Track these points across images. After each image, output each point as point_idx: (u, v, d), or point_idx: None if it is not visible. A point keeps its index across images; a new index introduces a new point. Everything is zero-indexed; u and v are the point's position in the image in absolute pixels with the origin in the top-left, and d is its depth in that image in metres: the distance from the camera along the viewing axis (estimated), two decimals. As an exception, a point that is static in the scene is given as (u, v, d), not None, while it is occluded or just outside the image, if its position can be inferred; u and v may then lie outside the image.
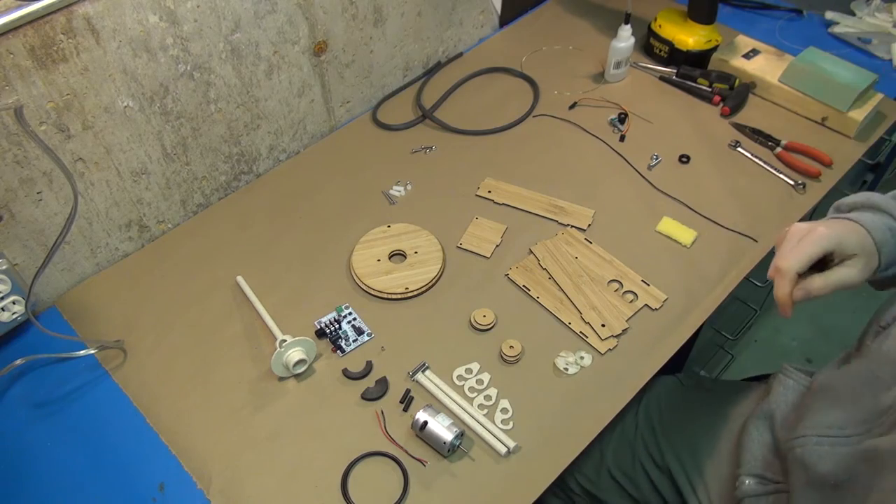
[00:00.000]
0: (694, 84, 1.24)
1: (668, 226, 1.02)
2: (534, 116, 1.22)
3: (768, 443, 0.80)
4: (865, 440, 0.62)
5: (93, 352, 0.91)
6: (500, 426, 0.82)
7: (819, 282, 0.65)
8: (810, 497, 0.67)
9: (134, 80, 0.89)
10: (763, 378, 0.97)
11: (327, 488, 0.78)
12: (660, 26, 1.28)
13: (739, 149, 1.14)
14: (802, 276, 0.66)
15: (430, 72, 1.31)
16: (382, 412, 0.84)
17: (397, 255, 1.00)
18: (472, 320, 0.91)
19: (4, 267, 0.86)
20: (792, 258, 0.65)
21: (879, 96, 1.14)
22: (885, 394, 0.63)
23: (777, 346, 1.76)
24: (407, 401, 0.84)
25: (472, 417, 0.82)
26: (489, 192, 1.09)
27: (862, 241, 0.65)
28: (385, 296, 0.95)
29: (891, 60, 1.29)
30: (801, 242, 0.65)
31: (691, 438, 0.91)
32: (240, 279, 0.98)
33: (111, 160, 0.94)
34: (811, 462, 0.66)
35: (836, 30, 1.36)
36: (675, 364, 1.18)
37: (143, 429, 0.84)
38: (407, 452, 0.80)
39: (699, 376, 1.04)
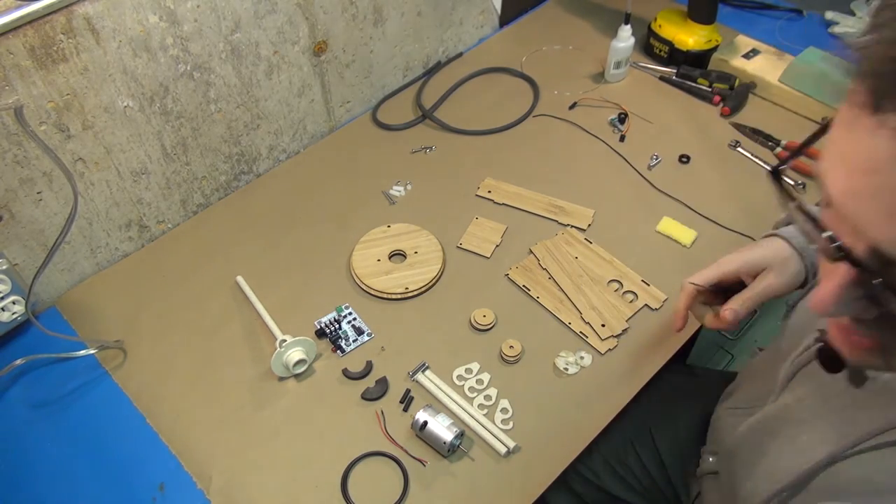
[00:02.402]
0: (694, 84, 1.24)
1: (668, 226, 1.02)
2: (534, 116, 1.22)
3: None
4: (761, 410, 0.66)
5: (93, 352, 0.91)
6: (500, 426, 0.82)
7: (739, 298, 0.71)
8: (720, 466, 0.71)
9: (134, 80, 0.89)
10: None
11: (327, 488, 0.78)
12: (660, 26, 1.28)
13: (739, 149, 1.14)
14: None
15: (430, 72, 1.31)
16: (382, 412, 0.84)
17: (397, 255, 1.00)
18: (472, 320, 0.91)
19: (4, 267, 0.86)
20: (693, 276, 0.73)
21: (879, 96, 1.14)
22: (782, 365, 0.66)
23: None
24: (407, 401, 0.84)
25: (472, 417, 0.82)
26: (489, 192, 1.09)
27: (774, 253, 0.71)
28: (385, 296, 0.95)
29: (891, 60, 1.29)
30: (707, 266, 0.74)
31: (677, 422, 0.93)
32: (240, 279, 0.98)
33: (111, 160, 0.94)
34: (720, 435, 0.71)
35: (836, 30, 1.36)
36: (676, 363, 1.18)
37: (143, 429, 0.84)
38: (407, 452, 0.80)
39: (691, 365, 1.05)
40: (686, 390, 0.98)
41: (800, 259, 0.71)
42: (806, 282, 0.72)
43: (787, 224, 0.76)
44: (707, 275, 0.73)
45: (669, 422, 0.93)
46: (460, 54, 1.36)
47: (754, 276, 0.72)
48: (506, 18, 1.42)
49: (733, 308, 0.70)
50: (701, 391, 0.96)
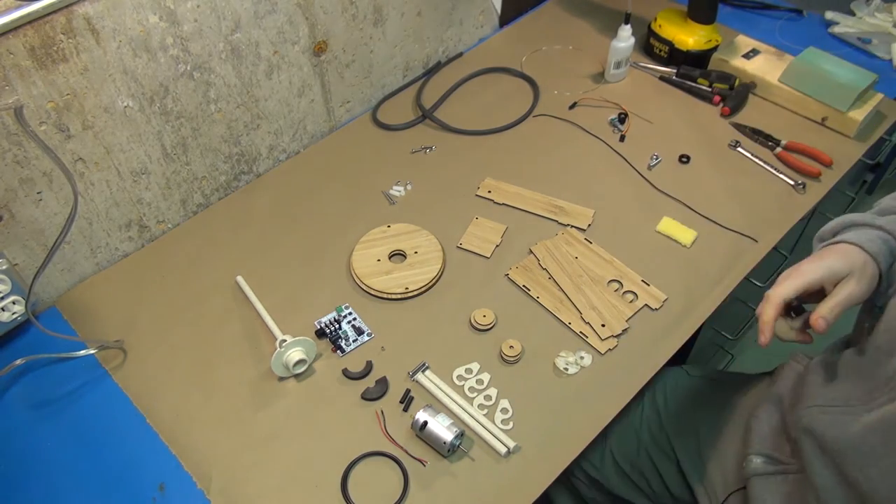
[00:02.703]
0: (694, 84, 1.24)
1: (668, 226, 1.02)
2: (534, 116, 1.22)
3: (777, 425, 0.81)
4: (872, 409, 0.65)
5: (93, 352, 0.91)
6: (500, 426, 0.82)
7: (826, 306, 0.69)
8: (826, 462, 0.69)
9: (134, 80, 0.89)
10: (768, 373, 0.97)
11: (327, 488, 0.78)
12: (660, 26, 1.28)
13: (739, 149, 1.14)
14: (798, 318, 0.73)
15: (430, 72, 1.31)
16: (382, 412, 0.84)
17: (397, 255, 1.00)
18: (472, 320, 0.91)
19: (4, 267, 0.86)
20: (779, 287, 0.71)
21: (879, 96, 1.14)
22: (887, 363, 0.65)
23: (777, 346, 1.75)
24: (407, 401, 0.84)
25: (472, 417, 0.82)
26: (489, 192, 1.09)
27: (851, 259, 0.70)
28: (385, 296, 0.95)
29: (891, 60, 1.29)
30: (789, 277, 0.72)
31: (698, 425, 0.92)
32: (240, 279, 0.98)
33: (111, 160, 0.94)
34: (819, 430, 0.69)
35: (836, 30, 1.36)
36: (676, 363, 1.18)
37: (143, 429, 0.84)
38: (407, 452, 0.80)
39: (705, 367, 1.05)
40: (704, 394, 0.97)
41: (874, 263, 0.71)
42: (880, 285, 0.72)
43: (835, 233, 0.76)
44: (793, 285, 0.71)
45: (688, 426, 0.93)
46: (460, 54, 1.36)
47: (835, 285, 0.71)
48: (506, 18, 1.42)
49: (824, 317, 0.69)
50: (720, 395, 0.95)
